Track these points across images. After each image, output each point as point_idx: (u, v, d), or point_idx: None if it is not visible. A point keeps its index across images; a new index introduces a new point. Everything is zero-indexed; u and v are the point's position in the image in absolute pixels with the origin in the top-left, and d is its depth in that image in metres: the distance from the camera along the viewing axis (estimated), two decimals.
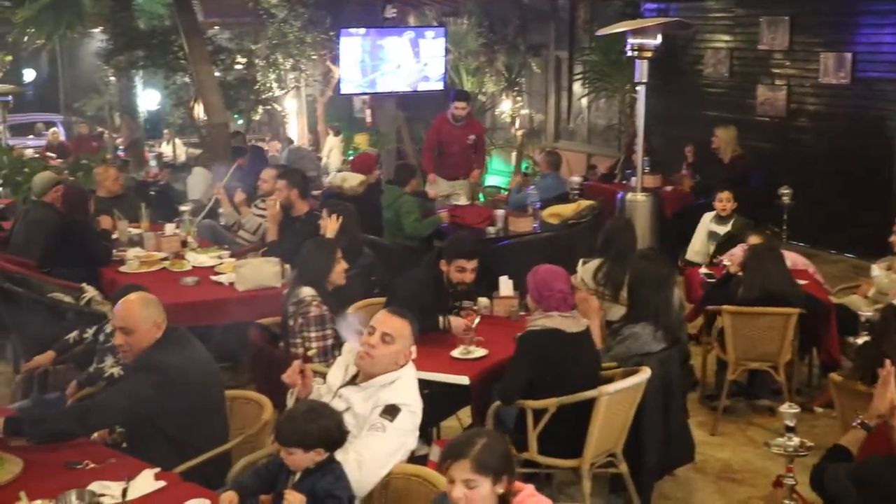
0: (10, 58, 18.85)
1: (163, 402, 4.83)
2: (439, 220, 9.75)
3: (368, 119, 19.45)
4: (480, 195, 11.96)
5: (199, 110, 21.54)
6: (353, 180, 9.90)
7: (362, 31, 13.11)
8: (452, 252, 6.39)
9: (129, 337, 4.94)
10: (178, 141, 19.96)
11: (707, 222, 9.27)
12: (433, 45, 13.37)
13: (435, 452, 5.04)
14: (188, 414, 4.92)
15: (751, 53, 11.76)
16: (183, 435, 4.90)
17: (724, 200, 9.03)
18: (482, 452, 3.43)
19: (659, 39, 9.40)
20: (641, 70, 9.40)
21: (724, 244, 8.63)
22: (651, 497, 5.85)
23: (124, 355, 5.10)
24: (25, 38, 17.10)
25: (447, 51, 13.55)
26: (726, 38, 12.07)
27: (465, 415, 6.33)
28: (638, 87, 9.60)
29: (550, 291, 5.41)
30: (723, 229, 9.05)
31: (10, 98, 15.82)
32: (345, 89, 13.76)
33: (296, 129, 20.12)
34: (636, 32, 9.40)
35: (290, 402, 4.91)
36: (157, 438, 4.84)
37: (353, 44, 12.89)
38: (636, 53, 9.34)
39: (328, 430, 3.93)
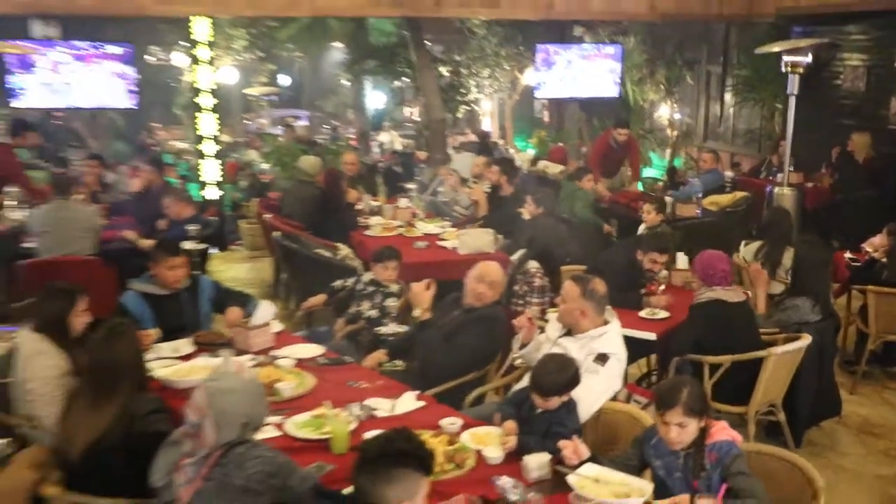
0: (273, 67, 19.47)
1: (491, 344, 5.14)
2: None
3: (546, 118, 19.45)
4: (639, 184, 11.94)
5: (410, 110, 22.16)
6: (553, 169, 10.02)
7: (553, 46, 13.09)
8: (650, 246, 6.35)
9: (491, 290, 5.19)
10: (394, 133, 20.30)
11: None
12: (609, 59, 13.27)
13: (623, 394, 5.07)
14: (490, 352, 5.20)
15: (885, 70, 11.23)
16: (472, 367, 5.11)
17: None
18: (689, 398, 3.45)
19: (809, 58, 9.12)
20: (793, 84, 9.13)
21: None
22: (801, 442, 5.75)
23: (481, 303, 5.23)
24: (286, 53, 17.77)
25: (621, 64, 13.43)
26: (863, 56, 11.56)
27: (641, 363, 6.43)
28: (789, 98, 9.32)
29: (714, 270, 5.37)
30: None
31: (274, 98, 16.36)
32: (539, 94, 13.74)
33: (489, 125, 20.22)
34: (790, 51, 9.17)
35: (514, 345, 5.03)
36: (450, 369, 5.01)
37: (545, 56, 12.89)
38: (789, 69, 9.09)
39: (574, 377, 3.99)
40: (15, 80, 10.77)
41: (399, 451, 2.69)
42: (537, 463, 3.59)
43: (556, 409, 3.91)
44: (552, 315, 5.16)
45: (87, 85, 10.99)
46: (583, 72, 13.10)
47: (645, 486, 3.43)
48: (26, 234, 8.09)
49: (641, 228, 7.83)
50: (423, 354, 5.07)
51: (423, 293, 5.20)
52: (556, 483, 3.54)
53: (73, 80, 10.98)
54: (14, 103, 11.01)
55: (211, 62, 11.33)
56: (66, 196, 7.93)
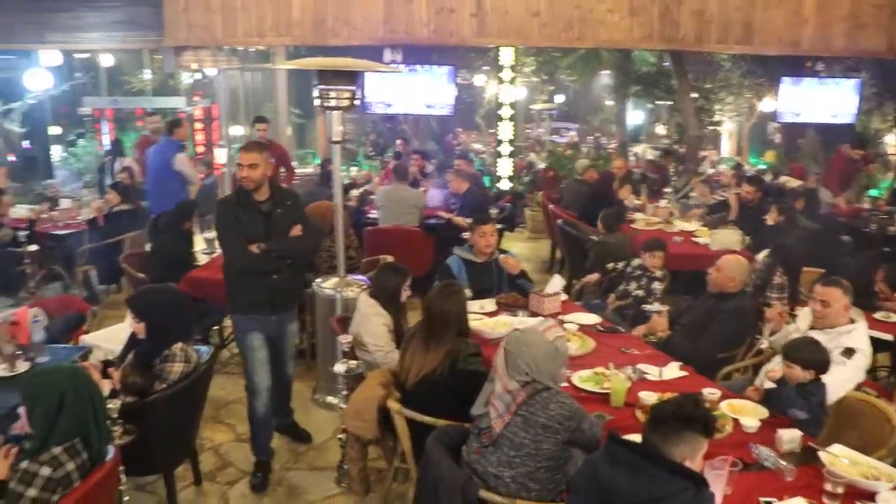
0: (552, 87, 19.46)
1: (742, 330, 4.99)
2: None
3: (777, 139, 18.26)
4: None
5: (662, 127, 21.49)
6: (792, 182, 9.40)
7: (796, 79, 12.20)
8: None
9: (732, 282, 4.97)
10: (646, 145, 19.76)
11: None
12: (846, 90, 12.20)
13: None
14: (740, 337, 5.00)
15: None
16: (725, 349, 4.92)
17: None
18: None
19: None
20: None
21: None
22: None
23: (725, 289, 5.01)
24: (563, 76, 17.68)
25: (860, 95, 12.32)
26: None
27: None
28: None
29: None
30: None
31: (552, 112, 16.34)
32: (781, 118, 12.87)
33: (726, 145, 19.34)
34: None
35: (765, 332, 4.73)
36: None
37: (787, 88, 12.04)
38: None
39: (824, 359, 3.70)
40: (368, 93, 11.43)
41: (688, 415, 2.55)
42: (789, 437, 3.36)
43: (806, 382, 3.65)
44: (801, 311, 4.79)
45: (417, 97, 11.42)
46: (819, 100, 12.12)
47: (894, 472, 3.09)
48: (371, 206, 8.58)
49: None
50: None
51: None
52: (805, 457, 3.28)
53: (407, 92, 11.45)
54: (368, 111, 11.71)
55: (511, 82, 11.43)
56: (402, 181, 8.26)
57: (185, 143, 9.45)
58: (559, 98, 22.56)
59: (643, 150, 19.11)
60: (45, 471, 2.81)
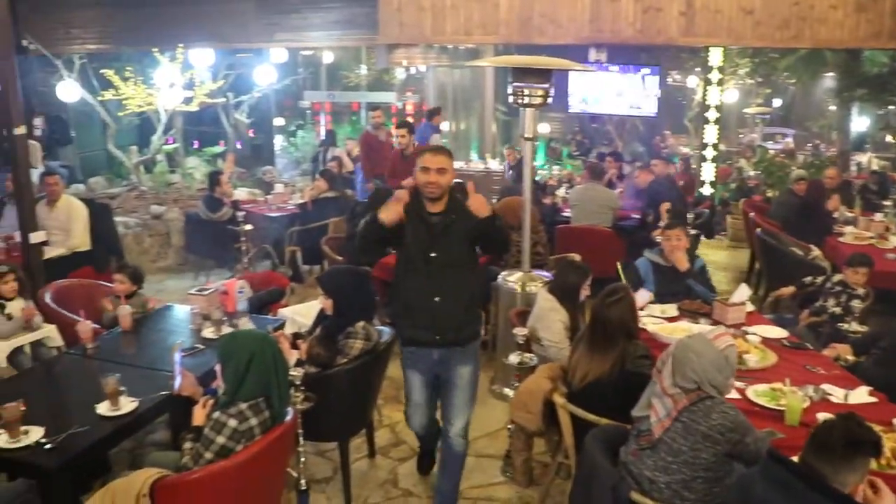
0: (768, 90, 18.44)
1: None
2: None
3: None
4: None
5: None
6: None
7: None
8: None
9: None
10: (870, 154, 18.22)
11: None
12: None
13: None
14: None
15: None
16: None
17: None
18: None
19: None
20: None
21: None
22: None
23: None
24: (781, 79, 16.69)
25: None
26: None
27: None
28: None
29: None
30: None
31: (767, 116, 15.49)
32: None
33: None
34: None
35: None
36: None
37: None
38: None
39: None
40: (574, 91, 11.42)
41: (858, 439, 2.38)
42: None
43: None
44: None
45: (622, 97, 11.27)
46: None
47: None
48: (565, 204, 8.60)
49: None
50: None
51: None
52: None
53: (612, 93, 11.33)
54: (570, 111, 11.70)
55: (719, 84, 11.00)
56: (596, 181, 8.20)
57: (441, 128, 10.27)
58: (776, 102, 21.37)
59: (867, 160, 17.69)
60: (232, 422, 3.11)
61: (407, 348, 3.95)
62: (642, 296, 5.16)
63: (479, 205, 3.66)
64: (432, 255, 3.74)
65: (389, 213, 3.64)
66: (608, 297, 3.97)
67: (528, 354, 4.57)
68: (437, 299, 3.74)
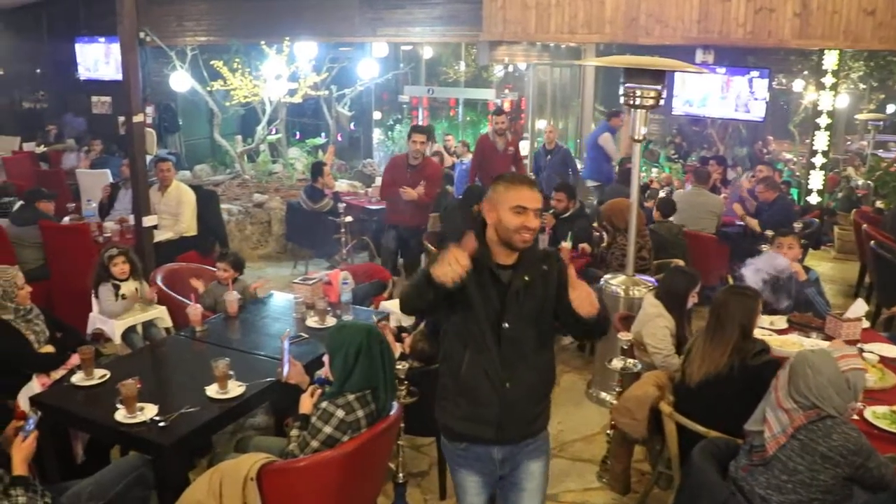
0: (882, 95, 17.63)
1: None
2: None
3: None
4: None
5: None
6: None
7: None
8: None
9: None
10: None
11: None
12: None
13: None
14: None
15: None
16: None
17: None
18: None
19: None
20: None
21: None
22: None
23: None
24: None
25: None
26: None
27: None
28: None
29: None
30: None
31: (880, 123, 14.79)
32: None
33: None
34: None
35: None
36: None
37: None
38: None
39: None
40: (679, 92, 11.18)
41: None
42: None
43: None
44: None
45: (727, 100, 10.96)
46: None
47: None
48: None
49: None
50: None
51: None
52: None
53: (715, 95, 11.02)
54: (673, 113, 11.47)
55: (832, 88, 10.55)
56: (701, 185, 8.00)
57: (618, 129, 10.55)
58: (890, 108, 20.38)
59: None
60: (340, 413, 3.14)
61: (456, 444, 2.92)
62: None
63: (583, 299, 2.60)
64: (505, 325, 2.74)
65: (448, 272, 2.49)
66: (732, 287, 3.91)
67: (631, 360, 4.49)
68: (507, 385, 2.77)
